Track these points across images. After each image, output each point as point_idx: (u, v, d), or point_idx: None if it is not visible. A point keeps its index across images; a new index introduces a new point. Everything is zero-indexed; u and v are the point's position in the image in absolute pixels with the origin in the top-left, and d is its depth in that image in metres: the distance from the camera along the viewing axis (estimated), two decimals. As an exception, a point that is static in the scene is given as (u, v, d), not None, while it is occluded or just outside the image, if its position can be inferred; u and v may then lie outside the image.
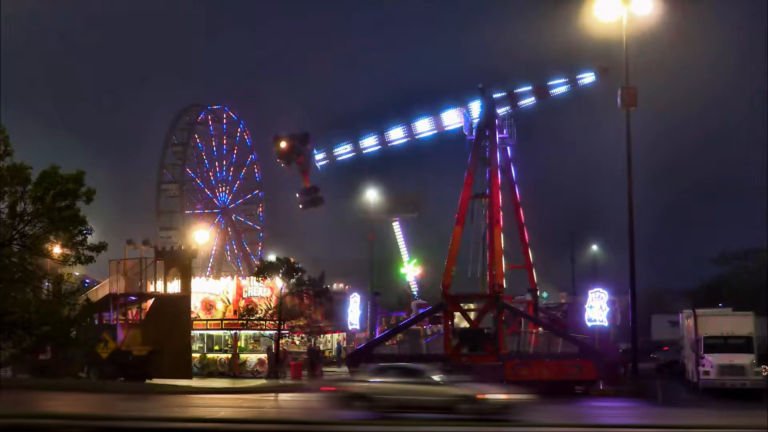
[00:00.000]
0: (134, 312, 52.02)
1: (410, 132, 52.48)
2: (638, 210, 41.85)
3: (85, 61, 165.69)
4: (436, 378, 28.92)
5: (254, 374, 51.99)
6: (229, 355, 54.02)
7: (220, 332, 55.01)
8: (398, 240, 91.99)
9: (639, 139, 43.82)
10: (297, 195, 54.37)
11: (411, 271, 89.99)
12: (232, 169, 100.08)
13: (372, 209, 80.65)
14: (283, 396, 40.45)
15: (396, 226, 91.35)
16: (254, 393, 41.88)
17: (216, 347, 55.10)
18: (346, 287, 69.82)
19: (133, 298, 50.25)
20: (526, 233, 52.37)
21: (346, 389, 29.51)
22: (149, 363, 45.65)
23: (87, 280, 52.42)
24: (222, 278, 59.62)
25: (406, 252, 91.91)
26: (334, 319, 65.45)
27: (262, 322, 52.69)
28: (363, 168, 66.17)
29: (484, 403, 27.35)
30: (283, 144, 52.12)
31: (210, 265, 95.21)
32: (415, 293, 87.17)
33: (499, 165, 49.67)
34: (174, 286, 50.37)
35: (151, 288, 49.40)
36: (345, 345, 67.56)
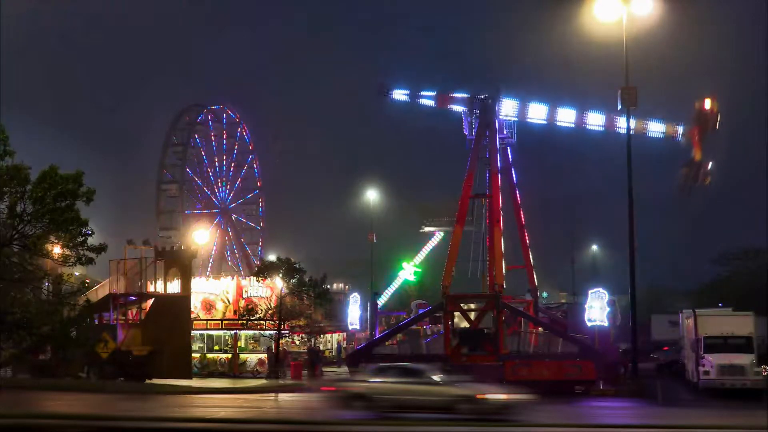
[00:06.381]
0: (134, 312, 51.99)
1: None
2: (638, 210, 41.84)
3: (85, 61, 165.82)
4: (436, 378, 28.89)
5: (254, 374, 51.97)
6: (229, 355, 54.00)
7: (220, 332, 54.98)
8: (427, 248, 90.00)
9: (639, 139, 43.90)
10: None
11: (408, 272, 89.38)
12: (232, 168, 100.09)
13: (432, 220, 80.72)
14: (283, 396, 40.42)
15: (439, 236, 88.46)
16: (254, 393, 41.86)
17: (216, 347, 55.07)
18: (346, 287, 69.74)
19: (133, 298, 50.20)
20: (526, 233, 52.45)
21: (346, 389, 29.50)
22: (149, 363, 45.63)
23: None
24: (222, 278, 59.56)
25: (420, 259, 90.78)
26: (334, 319, 65.46)
27: (262, 322, 52.62)
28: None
29: (484, 403, 27.33)
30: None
31: (210, 265, 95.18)
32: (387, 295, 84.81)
33: (499, 165, 49.75)
34: (174, 286, 50.33)
35: (151, 288, 49.38)
36: (345, 345, 67.56)
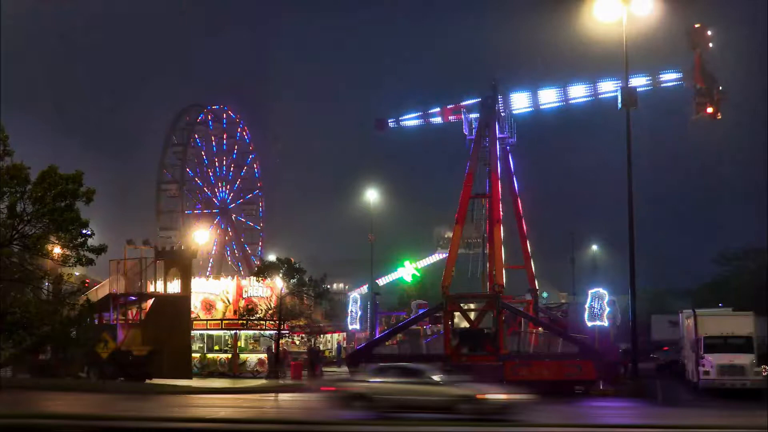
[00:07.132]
0: (134, 312, 52.02)
1: None
2: (638, 209, 41.82)
3: (85, 61, 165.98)
4: (436, 378, 28.88)
5: (254, 374, 51.97)
6: (229, 355, 54.00)
7: (220, 332, 54.98)
8: (432, 259, 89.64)
9: (640, 139, 43.82)
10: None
11: (408, 271, 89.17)
12: (232, 168, 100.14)
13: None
14: (283, 396, 40.43)
15: (440, 256, 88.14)
16: (254, 393, 41.87)
17: (216, 347, 55.08)
18: (346, 287, 69.71)
19: (133, 298, 50.25)
20: (526, 233, 52.38)
21: (346, 389, 29.50)
22: (149, 363, 45.63)
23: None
24: (222, 278, 59.57)
25: (422, 265, 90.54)
26: (334, 319, 65.44)
27: (262, 322, 52.66)
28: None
29: (484, 403, 27.33)
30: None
31: (210, 265, 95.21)
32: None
33: (499, 164, 49.70)
34: (174, 286, 50.37)
35: (151, 288, 49.41)
36: (345, 345, 67.54)
